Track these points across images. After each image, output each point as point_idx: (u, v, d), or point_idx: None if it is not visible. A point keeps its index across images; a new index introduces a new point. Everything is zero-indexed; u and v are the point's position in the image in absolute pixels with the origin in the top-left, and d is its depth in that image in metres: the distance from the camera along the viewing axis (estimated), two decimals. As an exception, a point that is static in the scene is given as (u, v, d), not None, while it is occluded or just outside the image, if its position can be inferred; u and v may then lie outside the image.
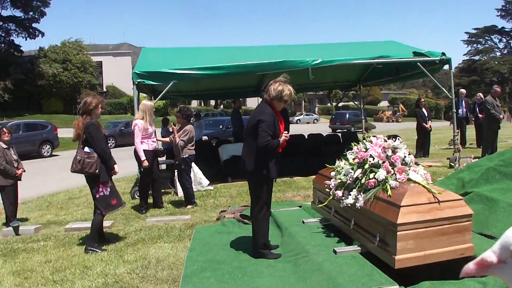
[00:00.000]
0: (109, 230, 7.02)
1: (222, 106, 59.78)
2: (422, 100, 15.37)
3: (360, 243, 4.71)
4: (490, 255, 0.94)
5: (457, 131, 12.01)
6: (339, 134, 14.91)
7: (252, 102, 53.70)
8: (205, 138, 20.84)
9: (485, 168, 6.20)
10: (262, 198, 5.04)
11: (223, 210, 7.78)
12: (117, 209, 6.22)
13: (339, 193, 5.06)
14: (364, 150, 4.97)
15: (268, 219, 5.19)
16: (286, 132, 5.11)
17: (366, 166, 4.73)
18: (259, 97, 18.72)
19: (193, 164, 9.30)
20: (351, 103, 62.33)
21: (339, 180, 5.16)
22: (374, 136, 5.18)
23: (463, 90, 16.33)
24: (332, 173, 5.53)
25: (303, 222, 5.99)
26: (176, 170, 8.78)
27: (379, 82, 15.77)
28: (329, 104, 69.55)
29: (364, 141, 5.18)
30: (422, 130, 14.32)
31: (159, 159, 8.70)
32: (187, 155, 8.35)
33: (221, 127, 24.86)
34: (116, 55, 56.16)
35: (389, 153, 4.81)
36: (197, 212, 8.09)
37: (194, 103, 56.97)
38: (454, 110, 11.82)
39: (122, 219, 7.88)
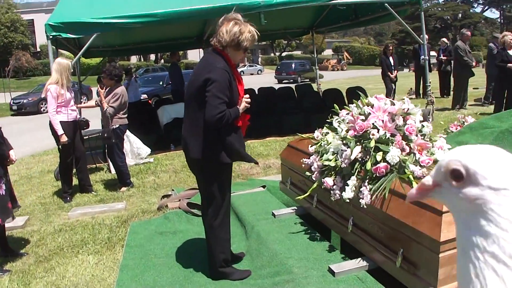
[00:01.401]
0: (21, 232, 5.34)
1: (162, 61, 56.73)
2: (391, 47, 13.78)
3: (363, 252, 3.30)
4: (428, 179, 0.93)
5: (430, 80, 10.73)
6: (293, 87, 13.41)
7: (194, 55, 50.90)
8: (144, 96, 19.05)
9: (497, 131, 4.85)
10: (218, 196, 3.45)
11: (166, 195, 6.16)
12: (13, 216, 4.50)
13: (329, 181, 3.57)
14: (364, 117, 3.47)
15: (229, 225, 3.61)
16: (248, 96, 3.52)
17: (371, 143, 3.24)
18: (201, 49, 16.93)
19: (128, 133, 7.64)
20: (295, 52, 61.01)
21: (326, 161, 3.67)
22: (373, 97, 3.71)
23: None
24: (312, 148, 4.05)
25: (274, 215, 4.50)
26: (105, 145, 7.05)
27: (335, 28, 14.22)
28: (272, 54, 67.79)
29: (359, 103, 3.69)
30: (386, 79, 13.05)
31: (83, 131, 6.95)
32: (117, 125, 6.61)
33: (161, 83, 22.87)
34: (48, 12, 51.71)
35: (400, 121, 3.35)
36: (134, 196, 6.48)
37: (134, 59, 53.77)
38: (426, 57, 10.49)
39: (41, 211, 6.19)
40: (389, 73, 12.82)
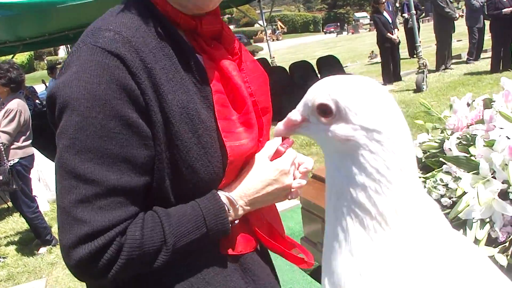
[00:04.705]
0: None
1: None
2: (384, 0, 10.25)
3: None
4: (295, 113, 0.81)
5: (420, 40, 8.91)
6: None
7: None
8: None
9: None
10: None
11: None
12: None
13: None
14: None
15: None
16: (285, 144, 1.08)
17: None
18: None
19: (41, 159, 5.38)
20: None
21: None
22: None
23: (387, -9, 12.88)
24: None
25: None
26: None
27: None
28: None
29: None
30: (387, 44, 10.23)
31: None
32: (17, 160, 4.29)
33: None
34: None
35: None
36: (57, 264, 4.23)
37: (62, 53, 48.07)
38: (414, 11, 8.63)
39: None
40: (388, 34, 10.04)
